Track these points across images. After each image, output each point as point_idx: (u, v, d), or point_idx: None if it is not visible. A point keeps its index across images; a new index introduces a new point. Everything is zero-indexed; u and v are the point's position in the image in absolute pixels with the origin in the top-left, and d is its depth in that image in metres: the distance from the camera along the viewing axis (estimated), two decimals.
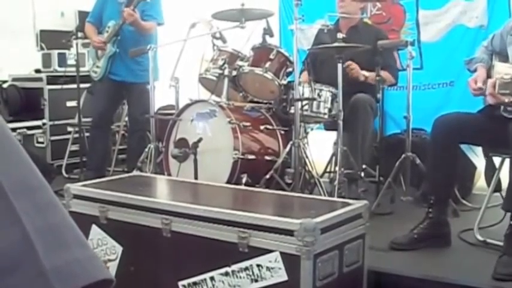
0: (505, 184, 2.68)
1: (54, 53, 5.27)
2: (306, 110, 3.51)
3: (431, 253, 2.82)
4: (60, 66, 5.23)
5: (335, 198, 3.05)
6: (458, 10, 4.20)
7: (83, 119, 4.54)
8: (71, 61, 5.10)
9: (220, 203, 2.41)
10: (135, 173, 3.52)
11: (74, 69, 4.52)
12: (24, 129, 5.04)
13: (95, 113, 4.49)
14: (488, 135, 2.80)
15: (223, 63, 3.77)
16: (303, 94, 3.51)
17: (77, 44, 4.47)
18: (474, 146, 3.39)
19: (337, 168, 3.42)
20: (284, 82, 3.67)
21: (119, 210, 2.47)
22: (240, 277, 2.09)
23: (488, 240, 2.86)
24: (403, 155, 3.50)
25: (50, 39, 5.44)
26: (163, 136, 3.79)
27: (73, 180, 4.36)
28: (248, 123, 3.53)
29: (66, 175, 4.89)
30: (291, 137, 3.45)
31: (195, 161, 3.30)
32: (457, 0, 4.20)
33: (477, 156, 3.60)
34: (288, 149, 3.46)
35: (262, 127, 3.65)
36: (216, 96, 3.78)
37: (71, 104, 5.03)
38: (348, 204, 2.32)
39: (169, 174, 3.66)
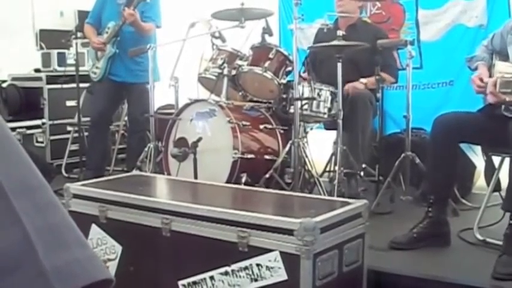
0: (504, 184, 2.68)
1: (54, 52, 5.26)
2: (306, 110, 3.51)
3: (430, 252, 2.82)
4: (59, 65, 5.23)
5: (335, 198, 3.05)
6: (458, 9, 4.20)
7: (83, 119, 4.54)
8: (70, 61, 5.10)
9: (220, 202, 2.41)
10: (135, 172, 3.52)
11: (73, 68, 4.52)
12: (24, 129, 5.04)
13: (95, 112, 4.48)
14: (488, 134, 2.80)
15: (223, 63, 3.78)
16: (302, 93, 3.51)
17: (76, 44, 4.47)
18: (474, 145, 3.40)
19: (336, 168, 3.43)
20: (283, 81, 3.67)
21: (118, 210, 2.47)
22: (240, 276, 2.09)
23: (488, 240, 2.86)
24: (403, 155, 3.50)
25: (50, 39, 5.44)
26: (162, 135, 3.79)
27: (73, 179, 4.36)
28: (248, 123, 3.53)
29: (65, 174, 4.89)
30: (291, 137, 3.45)
31: (195, 160, 3.30)
32: (457, 0, 4.20)
33: (477, 156, 3.60)
34: (287, 148, 3.46)
35: (261, 126, 3.65)
36: (215, 96, 3.78)
37: (70, 103, 5.03)
38: (348, 203, 2.32)
39: (169, 174, 3.66)
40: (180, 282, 2.24)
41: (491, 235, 2.87)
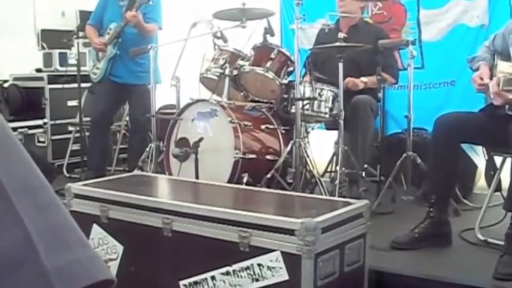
0: (505, 184, 2.67)
1: (55, 52, 5.27)
2: (307, 110, 3.51)
3: (432, 252, 2.82)
4: (61, 65, 5.24)
5: (336, 198, 3.05)
6: (459, 9, 4.19)
7: (84, 119, 4.54)
8: (72, 60, 5.11)
9: (221, 202, 2.41)
10: (136, 172, 3.52)
11: (75, 68, 4.52)
12: (25, 129, 5.05)
13: (96, 112, 4.48)
14: (489, 134, 2.80)
15: (224, 63, 3.77)
16: (304, 93, 3.51)
17: (78, 44, 4.48)
18: (475, 145, 3.39)
19: (338, 168, 3.42)
20: (285, 81, 3.67)
21: (120, 210, 2.47)
22: (241, 276, 2.09)
23: (489, 240, 2.85)
24: (404, 155, 3.50)
25: (51, 39, 5.44)
26: (164, 135, 3.79)
27: (74, 179, 4.36)
28: (249, 123, 3.53)
29: (67, 174, 4.89)
30: (292, 137, 3.45)
31: (196, 160, 3.30)
32: (458, 0, 4.20)
33: (478, 156, 3.60)
34: (289, 148, 3.46)
35: (263, 126, 3.65)
36: (217, 96, 3.78)
37: (72, 103, 5.03)
38: (349, 203, 2.32)
39: (170, 174, 3.66)
40: (181, 282, 2.24)
41: (492, 235, 2.86)
